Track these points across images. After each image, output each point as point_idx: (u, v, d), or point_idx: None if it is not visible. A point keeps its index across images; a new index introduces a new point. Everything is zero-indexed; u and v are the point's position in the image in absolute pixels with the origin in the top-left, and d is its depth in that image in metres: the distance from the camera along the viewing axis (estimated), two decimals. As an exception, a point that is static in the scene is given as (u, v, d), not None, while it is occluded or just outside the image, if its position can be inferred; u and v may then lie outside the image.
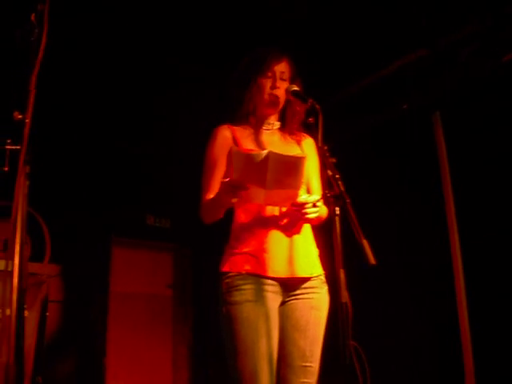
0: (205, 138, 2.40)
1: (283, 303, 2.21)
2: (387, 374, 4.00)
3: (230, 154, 2.27)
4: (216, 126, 2.40)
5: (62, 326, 4.56)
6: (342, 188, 1.77)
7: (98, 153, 5.07)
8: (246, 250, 2.19)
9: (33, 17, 1.70)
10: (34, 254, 4.56)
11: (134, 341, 5.40)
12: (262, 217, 2.20)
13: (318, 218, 2.19)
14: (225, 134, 2.36)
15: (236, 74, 2.42)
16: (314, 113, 2.00)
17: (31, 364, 3.77)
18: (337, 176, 1.80)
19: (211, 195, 2.25)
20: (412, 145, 4.28)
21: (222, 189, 2.07)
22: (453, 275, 3.88)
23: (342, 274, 1.70)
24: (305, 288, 2.21)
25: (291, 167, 2.03)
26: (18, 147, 1.58)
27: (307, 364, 2.17)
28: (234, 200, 2.07)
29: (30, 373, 3.75)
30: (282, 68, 2.33)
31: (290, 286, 2.20)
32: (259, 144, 2.33)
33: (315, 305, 2.22)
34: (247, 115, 2.36)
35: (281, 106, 2.37)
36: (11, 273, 1.50)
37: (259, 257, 2.16)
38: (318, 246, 2.34)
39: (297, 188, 2.08)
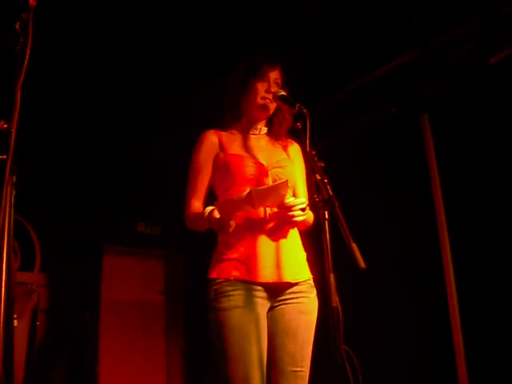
0: (194, 144, 2.40)
1: (272, 308, 2.20)
2: (379, 379, 4.00)
3: (216, 161, 2.33)
4: (202, 131, 2.41)
5: (53, 335, 4.53)
6: (331, 192, 1.77)
7: (89, 160, 5.05)
8: (233, 256, 2.19)
9: (17, 25, 1.69)
10: (24, 263, 4.54)
11: (127, 348, 5.38)
12: (250, 223, 2.20)
13: (304, 222, 2.21)
14: (211, 139, 2.37)
15: (231, 76, 2.44)
16: (301, 117, 2.00)
17: (22, 374, 3.75)
18: (325, 180, 1.80)
19: (195, 201, 2.30)
20: (401, 147, 4.28)
21: (213, 223, 2.12)
22: (444, 277, 3.88)
23: (332, 279, 1.70)
24: (293, 293, 2.21)
25: (277, 192, 2.07)
26: (4, 157, 1.57)
27: (297, 369, 2.16)
28: (230, 230, 2.09)
29: (20, 382, 3.73)
30: (275, 75, 2.37)
31: (278, 290, 2.19)
32: (246, 149, 2.34)
33: (304, 309, 2.21)
34: (238, 118, 2.38)
35: (271, 111, 2.39)
36: (-1, 283, 1.49)
37: (247, 262, 2.16)
38: (308, 251, 2.33)
39: (284, 197, 2.13)
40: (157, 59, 4.17)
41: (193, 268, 5.69)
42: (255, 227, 2.20)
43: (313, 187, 1.83)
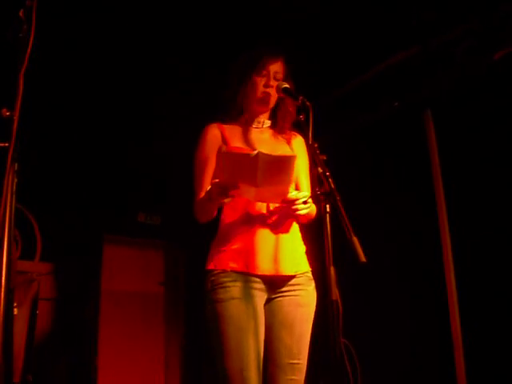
0: (196, 135, 2.39)
1: (269, 301, 2.21)
2: (378, 372, 4.02)
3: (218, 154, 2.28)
4: (205, 125, 2.40)
5: (52, 324, 4.55)
6: (333, 185, 1.76)
7: (90, 150, 5.05)
8: (231, 247, 2.19)
9: (21, 13, 1.69)
10: (25, 252, 4.55)
11: (126, 338, 5.40)
12: (249, 215, 2.20)
13: (307, 215, 2.20)
14: (214, 133, 2.35)
15: (232, 70, 2.42)
16: (304, 110, 2.00)
17: (21, 362, 3.76)
18: (327, 173, 1.79)
19: (203, 194, 2.24)
20: (403, 143, 4.28)
21: (212, 190, 2.05)
22: (444, 272, 3.89)
23: (332, 272, 1.70)
24: (291, 285, 2.21)
25: (281, 166, 2.02)
26: (6, 144, 1.57)
27: (295, 361, 2.17)
28: (227, 200, 2.06)
29: (20, 371, 3.74)
30: (276, 68, 2.34)
31: (276, 283, 2.19)
32: (249, 142, 2.33)
33: (302, 302, 2.21)
34: (239, 112, 2.37)
35: (272, 104, 2.37)
36: (-1, 271, 1.49)
37: (245, 254, 2.16)
38: (308, 244, 2.33)
39: (287, 185, 2.07)
40: (157, 59, 4.18)
41: (193, 259, 5.70)
42: (255, 219, 2.19)
43: (314, 180, 1.83)
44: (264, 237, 2.18)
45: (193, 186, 2.32)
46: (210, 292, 2.16)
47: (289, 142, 2.42)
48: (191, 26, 3.89)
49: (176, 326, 5.80)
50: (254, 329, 2.09)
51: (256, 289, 2.15)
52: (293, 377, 2.15)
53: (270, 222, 2.20)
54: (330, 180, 1.78)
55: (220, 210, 2.28)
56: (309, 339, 2.23)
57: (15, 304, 3.75)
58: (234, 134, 2.35)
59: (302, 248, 2.32)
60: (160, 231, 5.79)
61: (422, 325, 3.95)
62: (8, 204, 1.54)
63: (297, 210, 2.10)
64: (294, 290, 2.21)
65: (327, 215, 1.75)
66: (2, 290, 1.49)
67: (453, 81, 3.93)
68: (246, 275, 2.14)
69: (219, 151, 2.26)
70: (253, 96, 2.33)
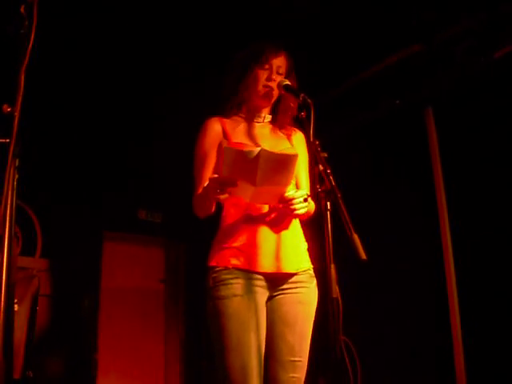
0: (197, 132, 2.39)
1: (270, 298, 2.20)
2: (378, 369, 4.02)
3: (220, 149, 2.27)
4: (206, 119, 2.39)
5: (53, 321, 4.55)
6: (333, 183, 1.76)
7: (90, 147, 5.05)
8: (233, 244, 2.17)
9: (22, 9, 1.69)
10: (25, 248, 4.56)
11: (126, 335, 5.40)
12: (251, 212, 2.19)
13: (306, 213, 2.18)
14: (215, 127, 2.33)
15: (234, 63, 2.40)
16: (305, 107, 1.99)
17: (21, 358, 3.76)
18: (328, 171, 1.79)
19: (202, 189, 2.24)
20: (405, 141, 4.28)
21: (209, 185, 2.03)
22: (444, 271, 3.89)
23: (332, 269, 1.70)
24: (293, 282, 2.20)
25: (282, 165, 2.00)
26: (7, 140, 1.57)
27: (296, 359, 2.16)
28: (223, 196, 2.04)
29: (20, 367, 3.74)
30: (279, 62, 2.32)
31: (277, 280, 2.19)
32: (250, 137, 2.32)
33: (303, 299, 2.21)
34: (240, 105, 2.36)
35: (274, 99, 2.35)
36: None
37: (247, 251, 2.15)
38: (309, 241, 2.33)
39: (285, 186, 2.06)
40: (157, 59, 4.19)
41: (193, 256, 5.71)
42: (256, 217, 2.18)
43: (315, 177, 1.82)
44: (266, 234, 2.17)
45: (192, 180, 2.31)
46: (211, 289, 2.15)
47: (289, 138, 2.41)
48: (191, 26, 3.90)
49: (176, 322, 5.81)
50: (255, 326, 2.09)
51: (258, 286, 2.14)
52: (294, 374, 2.15)
53: (271, 219, 2.19)
54: (330, 178, 1.77)
55: (221, 207, 2.27)
56: (310, 337, 2.22)
57: (16, 300, 3.75)
58: (234, 128, 2.34)
59: (304, 245, 2.31)
60: (161, 228, 5.79)
61: (422, 323, 3.95)
62: (9, 200, 1.54)
63: (294, 209, 2.09)
64: (296, 288, 2.20)
65: (328, 213, 1.75)
66: (3, 286, 1.49)
67: (453, 79, 3.93)
68: (248, 272, 2.13)
69: (222, 145, 2.25)
70: (254, 89, 2.31)
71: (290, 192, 2.10)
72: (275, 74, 2.31)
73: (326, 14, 3.80)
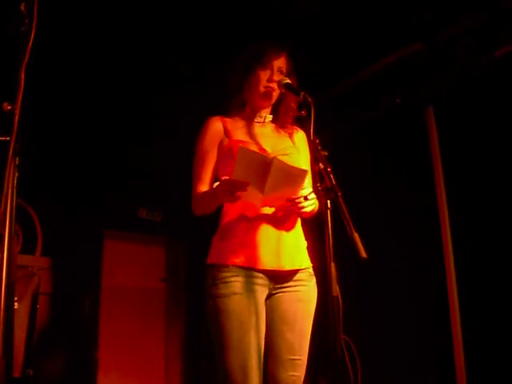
0: (197, 131, 2.39)
1: (270, 296, 2.20)
2: (378, 368, 4.02)
3: (220, 147, 2.29)
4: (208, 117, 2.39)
5: (53, 319, 4.55)
6: (334, 181, 1.76)
7: (91, 146, 5.05)
8: (233, 242, 2.17)
9: (23, 7, 1.69)
10: (26, 246, 4.55)
11: (127, 334, 5.40)
12: (251, 210, 2.18)
13: (311, 211, 2.18)
14: (216, 126, 2.34)
15: (236, 63, 2.41)
16: (306, 106, 2.00)
17: (22, 357, 3.76)
18: (328, 169, 1.79)
19: (202, 187, 2.25)
20: (405, 140, 4.28)
21: (220, 187, 2.04)
22: (444, 270, 3.89)
23: (332, 268, 1.70)
24: (292, 281, 2.20)
25: (292, 178, 2.02)
26: (7, 138, 1.57)
27: (295, 357, 2.16)
28: (232, 200, 2.04)
29: (20, 365, 3.74)
30: (280, 63, 2.33)
31: (277, 278, 2.19)
32: (251, 136, 2.33)
33: (302, 297, 2.21)
34: (241, 105, 2.36)
35: (274, 99, 2.36)
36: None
37: (247, 249, 2.14)
38: (309, 240, 2.33)
39: (293, 195, 2.07)
40: (157, 59, 4.20)
41: (194, 255, 5.70)
42: (257, 215, 2.18)
43: (316, 176, 1.82)
44: (266, 231, 2.17)
45: (192, 178, 2.32)
46: (211, 287, 2.15)
47: (290, 136, 2.41)
48: (191, 27, 3.90)
49: (176, 321, 5.81)
50: (255, 324, 2.09)
51: (257, 284, 2.14)
52: (293, 373, 2.15)
53: (272, 216, 2.19)
54: (331, 176, 1.78)
55: (221, 205, 2.27)
56: (309, 335, 2.22)
57: (16, 298, 3.75)
58: (236, 127, 2.34)
59: (304, 243, 2.31)
60: (161, 227, 5.78)
61: (422, 321, 3.95)
62: (9, 198, 1.54)
63: (302, 207, 2.09)
64: (296, 286, 2.20)
65: (328, 211, 1.75)
66: (3, 284, 1.49)
67: (454, 79, 3.93)
68: (248, 270, 2.13)
69: (223, 144, 2.27)
70: (256, 90, 2.32)
71: None
72: (276, 74, 2.31)
73: (326, 14, 3.81)
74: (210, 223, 2.37)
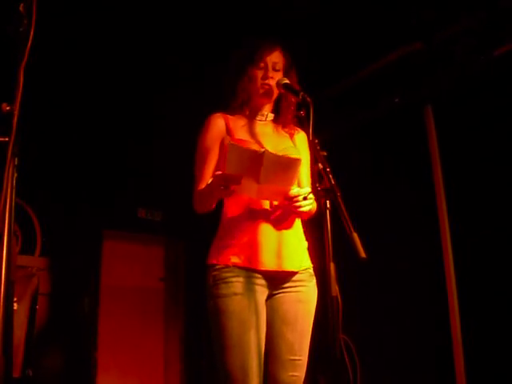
0: (197, 130, 2.38)
1: (270, 296, 2.19)
2: (377, 368, 4.02)
3: (222, 145, 2.27)
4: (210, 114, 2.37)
5: (52, 319, 4.55)
6: (333, 181, 1.76)
7: (90, 145, 5.05)
8: (234, 242, 2.16)
9: (21, 7, 1.68)
10: (25, 246, 4.55)
11: (126, 334, 5.40)
12: (252, 210, 2.17)
13: (309, 211, 2.17)
14: (218, 123, 2.32)
15: (229, 64, 2.39)
16: (305, 106, 1.99)
17: (21, 357, 3.77)
18: (327, 169, 1.79)
19: (203, 184, 2.22)
20: (404, 139, 4.28)
21: (214, 182, 2.03)
22: (444, 269, 3.89)
23: (332, 268, 1.70)
24: (293, 281, 2.20)
25: (286, 168, 2.01)
26: (6, 139, 1.57)
27: (296, 357, 2.16)
28: (227, 195, 2.04)
29: (20, 366, 3.74)
30: (274, 58, 2.30)
31: (278, 279, 2.18)
32: (252, 135, 2.31)
33: (303, 298, 2.20)
34: (241, 105, 2.34)
35: (275, 95, 2.34)
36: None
37: (247, 249, 2.14)
38: (309, 240, 2.33)
39: (289, 185, 2.07)
40: (157, 58, 4.20)
41: (193, 254, 5.70)
42: (258, 215, 2.17)
43: (315, 176, 1.82)
44: (267, 232, 2.16)
45: (193, 176, 2.30)
46: (211, 287, 2.14)
47: (291, 137, 2.40)
48: (191, 25, 3.89)
49: (176, 321, 5.81)
50: (255, 325, 2.08)
51: (258, 284, 2.13)
52: (293, 373, 2.14)
53: (273, 217, 2.18)
54: (330, 176, 1.77)
55: (222, 204, 2.26)
56: (310, 336, 2.22)
57: (15, 299, 3.75)
58: (238, 125, 2.32)
59: (305, 244, 2.31)
60: (161, 227, 5.78)
61: (421, 321, 3.95)
62: (8, 199, 1.54)
63: (300, 206, 2.09)
64: (296, 286, 2.20)
65: (327, 211, 1.75)
66: (2, 284, 1.48)
67: (453, 78, 3.93)
68: (249, 270, 2.12)
69: (225, 142, 2.24)
70: (253, 89, 2.30)
71: (295, 189, 2.10)
72: (271, 71, 2.29)
73: (326, 13, 3.80)
74: (210, 222, 2.37)
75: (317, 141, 1.88)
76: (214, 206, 2.21)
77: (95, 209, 5.10)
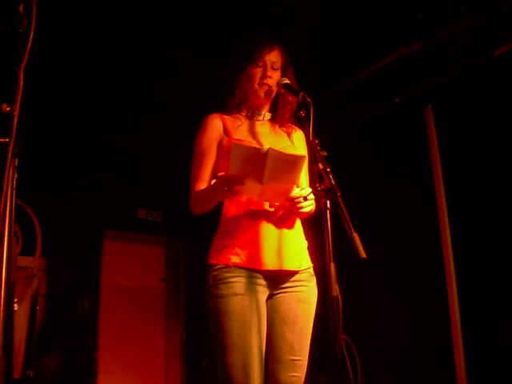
0: (196, 130, 2.38)
1: (271, 296, 2.19)
2: (378, 368, 4.02)
3: (220, 146, 2.26)
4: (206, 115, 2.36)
5: (53, 320, 4.55)
6: (333, 181, 1.76)
7: (90, 146, 5.05)
8: (234, 242, 2.15)
9: (21, 8, 1.68)
10: (25, 247, 4.56)
11: (126, 334, 5.41)
12: (252, 209, 2.17)
13: (309, 211, 2.17)
14: (215, 123, 2.31)
15: (228, 62, 2.38)
16: (305, 106, 1.99)
17: (22, 358, 3.76)
18: (327, 169, 1.79)
19: (201, 185, 2.22)
20: (404, 139, 4.28)
21: (218, 183, 2.02)
22: (444, 269, 3.89)
23: (332, 268, 1.70)
24: (293, 281, 2.19)
25: (290, 165, 2.00)
26: (7, 140, 1.57)
27: (296, 358, 2.15)
28: (231, 196, 2.04)
29: (20, 367, 3.74)
30: (273, 57, 2.29)
31: (278, 279, 2.17)
32: (250, 134, 2.30)
33: (303, 298, 2.19)
34: (238, 105, 2.33)
35: (272, 95, 2.33)
36: (-1, 266, 1.49)
37: (248, 249, 2.13)
38: (309, 240, 2.32)
39: (292, 184, 2.05)
40: (157, 56, 4.19)
41: (194, 255, 5.70)
42: (258, 214, 2.17)
43: (315, 176, 1.82)
44: (268, 231, 2.15)
45: (190, 176, 2.29)
46: (211, 287, 2.13)
47: (289, 136, 2.39)
48: (191, 25, 3.89)
49: (176, 321, 5.81)
50: (256, 325, 2.07)
51: (259, 284, 2.13)
52: (294, 373, 2.13)
53: (273, 216, 2.18)
54: (330, 176, 1.77)
55: (221, 204, 2.25)
56: (310, 336, 2.21)
57: (16, 300, 3.75)
58: (235, 125, 2.31)
59: (305, 243, 2.30)
60: (161, 227, 5.79)
61: (422, 321, 3.95)
62: (8, 199, 1.54)
63: (301, 207, 2.08)
64: (296, 286, 2.19)
65: (328, 211, 1.75)
66: (3, 285, 1.48)
67: (453, 77, 3.93)
68: (249, 270, 2.12)
69: (223, 142, 2.24)
70: (251, 89, 2.29)
71: (296, 190, 2.08)
72: (270, 70, 2.27)
73: (326, 13, 3.80)
74: (210, 223, 2.37)
75: (317, 141, 1.87)
76: (212, 207, 2.20)
77: (95, 209, 5.10)
